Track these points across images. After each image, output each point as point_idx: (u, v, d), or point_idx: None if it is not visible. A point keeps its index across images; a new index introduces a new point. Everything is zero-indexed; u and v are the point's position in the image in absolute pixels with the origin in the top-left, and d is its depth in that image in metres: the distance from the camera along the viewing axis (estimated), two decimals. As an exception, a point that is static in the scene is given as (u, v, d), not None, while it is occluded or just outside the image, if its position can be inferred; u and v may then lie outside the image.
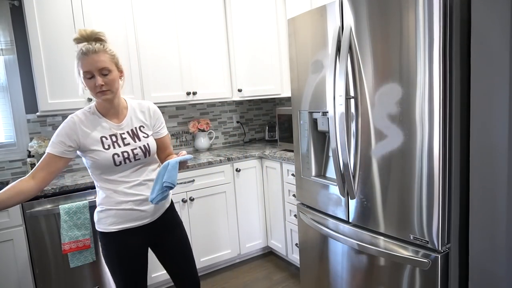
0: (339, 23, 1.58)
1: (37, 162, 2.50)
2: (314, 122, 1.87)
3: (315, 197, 1.88)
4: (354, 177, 1.59)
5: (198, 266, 2.60)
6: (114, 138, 1.45)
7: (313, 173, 1.90)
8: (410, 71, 1.30)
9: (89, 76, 1.36)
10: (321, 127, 1.83)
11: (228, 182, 2.70)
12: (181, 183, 2.49)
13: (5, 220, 1.96)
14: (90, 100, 2.37)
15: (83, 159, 1.46)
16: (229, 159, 2.68)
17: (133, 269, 1.52)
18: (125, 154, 1.45)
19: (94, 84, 1.37)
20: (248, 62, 2.92)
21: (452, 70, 1.23)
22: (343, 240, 1.67)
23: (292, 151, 2.66)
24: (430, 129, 1.27)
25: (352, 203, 1.63)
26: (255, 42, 2.86)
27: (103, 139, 1.43)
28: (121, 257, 1.49)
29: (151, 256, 2.38)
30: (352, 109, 1.56)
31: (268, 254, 3.01)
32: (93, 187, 2.17)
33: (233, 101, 3.35)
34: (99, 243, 1.54)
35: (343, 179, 1.63)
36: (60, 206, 2.02)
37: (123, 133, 1.48)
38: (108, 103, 1.45)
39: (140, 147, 1.49)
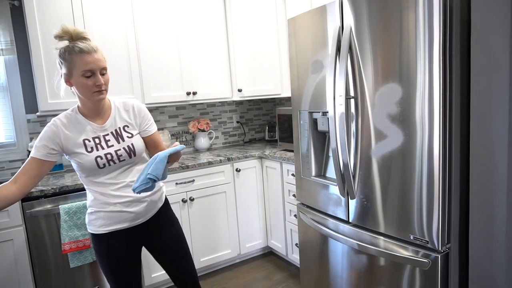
0: (339, 23, 1.58)
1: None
2: (314, 122, 1.87)
3: (315, 197, 1.88)
4: (354, 177, 1.59)
5: (198, 266, 2.60)
6: (97, 140, 1.43)
7: (313, 173, 1.90)
8: (410, 71, 1.30)
9: (89, 74, 1.33)
10: (321, 127, 1.83)
11: (228, 182, 2.70)
12: (181, 183, 2.49)
13: (5, 220, 1.96)
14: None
15: (71, 162, 1.45)
16: (229, 159, 2.68)
17: (123, 270, 1.51)
18: (109, 156, 1.42)
19: (93, 83, 1.35)
20: (248, 62, 2.92)
21: (452, 70, 1.23)
22: (343, 240, 1.67)
23: (292, 151, 2.66)
24: (430, 129, 1.27)
25: (352, 203, 1.63)
26: (255, 42, 2.86)
27: (86, 141, 1.41)
28: (111, 258, 1.48)
29: (150, 256, 2.38)
30: (352, 109, 1.56)
31: (268, 254, 3.01)
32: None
33: (233, 101, 3.35)
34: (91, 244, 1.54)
35: (343, 179, 1.63)
36: (60, 206, 2.02)
37: (107, 135, 1.45)
38: (98, 103, 1.43)
39: (124, 148, 1.46)
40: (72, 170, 2.60)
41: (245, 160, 2.76)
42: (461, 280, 1.36)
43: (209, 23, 2.86)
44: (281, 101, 3.52)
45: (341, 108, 1.53)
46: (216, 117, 3.33)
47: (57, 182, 2.21)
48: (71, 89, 1.40)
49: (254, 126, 3.57)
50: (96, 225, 1.47)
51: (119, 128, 1.49)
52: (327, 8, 1.63)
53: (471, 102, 1.20)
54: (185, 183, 2.50)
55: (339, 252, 1.74)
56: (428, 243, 1.33)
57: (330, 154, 1.85)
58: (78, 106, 1.45)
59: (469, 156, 1.24)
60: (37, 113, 2.31)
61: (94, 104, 1.42)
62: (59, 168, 2.58)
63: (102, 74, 1.38)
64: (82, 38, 1.36)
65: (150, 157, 1.50)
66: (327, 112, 1.72)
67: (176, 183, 2.47)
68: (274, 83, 2.86)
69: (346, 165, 1.57)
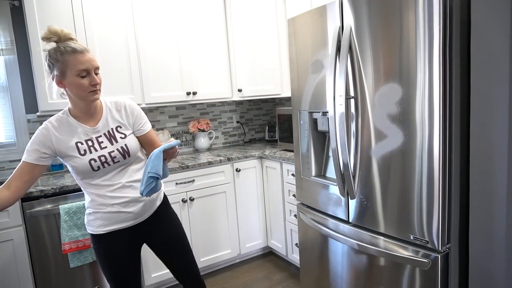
0: (339, 23, 1.58)
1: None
2: (314, 122, 1.87)
3: (315, 197, 1.88)
4: (354, 177, 1.59)
5: (198, 266, 2.59)
6: (90, 143, 1.41)
7: (313, 173, 1.90)
8: (410, 71, 1.30)
9: (84, 74, 1.32)
10: (321, 127, 1.83)
11: (228, 182, 2.70)
12: (181, 183, 2.49)
13: (5, 220, 1.96)
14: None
15: (66, 165, 1.45)
16: (229, 159, 2.68)
17: (122, 269, 1.51)
18: (102, 158, 1.40)
19: (89, 83, 1.33)
20: (248, 62, 2.92)
21: (452, 70, 1.23)
22: (343, 240, 1.67)
23: (292, 151, 2.66)
24: (430, 129, 1.27)
25: (352, 203, 1.63)
26: (255, 42, 2.86)
27: (79, 144, 1.39)
28: (110, 258, 1.49)
29: (150, 256, 2.38)
30: (352, 109, 1.56)
31: (268, 254, 3.01)
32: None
33: (233, 101, 3.35)
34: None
35: (343, 179, 1.63)
36: (60, 206, 2.02)
37: (100, 136, 1.43)
38: (90, 105, 1.41)
39: (117, 149, 1.44)
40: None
41: (245, 160, 2.76)
42: (461, 280, 1.36)
43: (209, 23, 2.86)
44: (281, 101, 3.52)
45: (341, 108, 1.53)
46: (216, 117, 3.33)
47: (57, 182, 2.21)
48: (63, 91, 1.37)
49: (254, 126, 3.57)
50: (94, 225, 1.47)
51: (112, 129, 1.46)
52: (327, 8, 1.63)
53: (471, 102, 1.20)
54: (185, 183, 2.50)
55: (339, 252, 1.74)
56: (428, 243, 1.33)
57: (330, 154, 1.85)
58: (69, 109, 1.43)
59: (469, 156, 1.24)
60: (37, 113, 2.31)
61: (86, 105, 1.40)
62: (59, 168, 2.58)
63: (96, 74, 1.37)
64: (69, 38, 1.34)
65: (147, 156, 1.49)
66: (327, 112, 1.72)
67: (176, 183, 2.47)
68: (274, 83, 2.86)
69: (346, 165, 1.56)
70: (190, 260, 1.64)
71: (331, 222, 1.77)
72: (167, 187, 2.41)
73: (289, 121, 2.67)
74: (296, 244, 2.51)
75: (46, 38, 1.32)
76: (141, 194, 1.37)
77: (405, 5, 1.29)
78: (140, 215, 1.51)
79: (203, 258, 2.63)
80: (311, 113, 1.86)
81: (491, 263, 1.20)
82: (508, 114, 1.10)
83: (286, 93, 2.80)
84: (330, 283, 1.83)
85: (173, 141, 1.43)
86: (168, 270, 2.45)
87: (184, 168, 2.49)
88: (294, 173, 2.17)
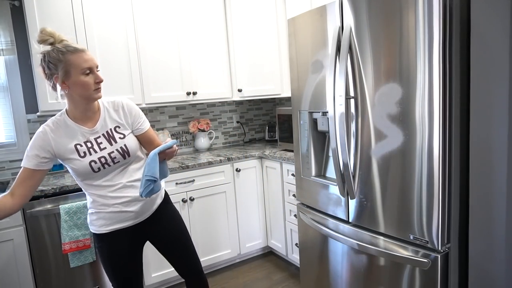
0: (339, 23, 1.58)
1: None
2: (314, 122, 1.87)
3: (315, 197, 1.88)
4: (354, 177, 1.59)
5: (200, 262, 2.59)
6: (89, 144, 1.40)
7: (313, 173, 1.90)
8: (410, 71, 1.31)
9: (88, 72, 1.32)
10: (321, 127, 1.83)
11: (228, 182, 2.70)
12: (181, 183, 2.49)
13: (5, 220, 1.96)
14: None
15: (66, 167, 1.45)
16: (229, 159, 2.68)
17: (125, 268, 1.52)
18: (103, 160, 1.40)
19: (93, 80, 1.34)
20: (248, 62, 2.92)
21: (452, 70, 1.23)
22: (343, 240, 1.67)
23: (292, 151, 2.66)
24: (430, 129, 1.27)
25: (352, 203, 1.63)
26: (255, 42, 2.86)
27: (78, 146, 1.38)
28: (113, 257, 1.50)
29: (151, 255, 2.38)
30: (352, 109, 1.56)
31: (268, 254, 3.01)
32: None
33: (233, 101, 3.35)
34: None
35: (343, 179, 1.63)
36: (60, 206, 2.02)
37: (98, 137, 1.42)
38: (92, 104, 1.41)
39: (117, 150, 1.43)
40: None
41: (245, 160, 2.76)
42: (461, 280, 1.36)
43: (209, 23, 2.86)
44: (281, 101, 3.52)
45: (341, 108, 1.54)
46: (216, 117, 3.33)
47: (57, 182, 2.21)
48: (66, 91, 1.35)
49: (254, 126, 3.57)
50: (97, 225, 1.47)
51: (110, 129, 1.46)
52: (327, 8, 1.63)
53: (471, 102, 1.20)
54: (185, 183, 2.51)
55: (339, 252, 1.74)
56: (428, 243, 1.33)
57: (330, 154, 1.85)
58: (66, 110, 1.42)
59: (469, 156, 1.24)
60: (37, 113, 2.31)
61: (87, 106, 1.40)
62: (59, 168, 2.58)
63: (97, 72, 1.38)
64: (63, 39, 1.35)
65: (147, 155, 1.50)
66: (327, 112, 1.72)
67: (176, 183, 2.47)
68: (274, 83, 2.86)
69: (346, 165, 1.57)
70: (192, 256, 1.66)
71: (331, 222, 1.77)
72: (167, 187, 2.42)
73: (289, 121, 2.67)
74: (296, 244, 2.51)
75: (43, 41, 1.32)
76: (141, 196, 1.37)
77: (405, 5, 1.29)
78: (141, 214, 1.52)
79: (203, 258, 2.63)
80: (311, 113, 1.86)
81: (491, 263, 1.20)
82: (508, 114, 1.10)
83: (286, 93, 2.80)
84: (330, 283, 1.83)
85: (169, 141, 1.43)
86: (168, 270, 2.46)
87: (184, 168, 2.49)
88: (294, 173, 2.17)
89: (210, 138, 3.22)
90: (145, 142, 1.57)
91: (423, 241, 1.34)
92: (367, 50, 1.46)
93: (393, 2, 1.33)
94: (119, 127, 1.48)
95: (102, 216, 1.46)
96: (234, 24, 2.91)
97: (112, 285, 1.56)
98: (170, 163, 2.55)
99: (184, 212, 2.51)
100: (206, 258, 2.64)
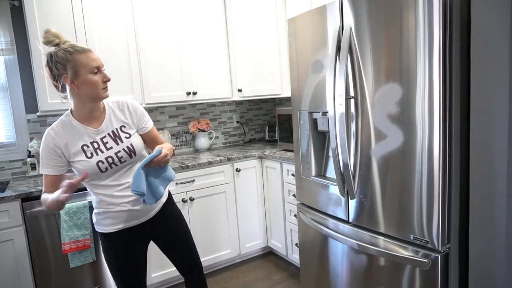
0: (339, 23, 1.58)
1: (37, 163, 2.50)
2: (314, 122, 1.87)
3: (315, 197, 1.88)
4: (354, 177, 1.59)
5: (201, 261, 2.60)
6: (95, 145, 1.40)
7: (313, 173, 1.90)
8: (410, 71, 1.30)
9: (96, 71, 1.34)
10: (321, 127, 1.83)
11: (228, 182, 2.70)
12: (181, 183, 2.49)
13: (5, 220, 1.96)
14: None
15: (72, 168, 1.45)
16: (229, 159, 2.68)
17: (131, 267, 1.53)
18: (110, 160, 1.41)
19: (101, 79, 1.36)
20: (248, 62, 2.92)
21: (452, 70, 1.23)
22: (343, 240, 1.67)
23: (292, 151, 2.66)
24: (430, 129, 1.27)
25: (352, 203, 1.63)
26: (255, 42, 2.86)
27: (85, 147, 1.39)
28: (120, 256, 1.50)
29: (151, 255, 2.38)
30: (352, 109, 1.56)
31: (268, 254, 3.01)
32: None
33: (233, 101, 3.35)
34: (100, 243, 1.55)
35: (343, 179, 1.63)
36: (60, 206, 2.02)
37: (104, 137, 1.43)
38: (98, 104, 1.42)
39: (124, 149, 1.44)
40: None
41: (245, 160, 2.76)
42: (461, 280, 1.36)
43: (209, 23, 2.86)
44: (281, 101, 3.52)
45: (341, 108, 1.53)
46: (216, 117, 3.33)
47: (57, 182, 2.21)
48: (75, 91, 1.34)
49: (254, 126, 3.57)
50: (104, 224, 1.48)
51: (116, 129, 1.47)
52: (327, 8, 1.63)
53: (471, 102, 1.20)
54: (185, 183, 2.50)
55: (339, 252, 1.74)
56: (428, 243, 1.33)
57: (330, 154, 1.84)
58: (71, 111, 1.42)
59: (469, 156, 1.24)
60: (37, 113, 2.31)
61: (93, 106, 1.41)
62: (59, 168, 2.58)
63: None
64: (66, 40, 1.36)
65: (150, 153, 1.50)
66: (327, 112, 1.72)
67: (176, 183, 2.47)
68: (274, 83, 2.85)
69: (346, 165, 1.56)
70: (194, 255, 1.68)
71: (331, 222, 1.77)
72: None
73: (289, 121, 2.67)
74: (296, 244, 2.51)
75: (49, 42, 1.32)
76: (145, 203, 1.39)
77: (405, 5, 1.29)
78: (147, 212, 1.53)
79: (203, 258, 2.63)
80: (311, 113, 1.86)
81: (491, 263, 1.20)
82: (508, 114, 1.10)
83: (286, 93, 2.80)
84: (330, 283, 1.83)
85: (155, 151, 1.40)
86: (168, 270, 2.46)
87: (184, 168, 2.49)
88: (294, 173, 2.17)
89: (210, 138, 3.22)
90: (149, 141, 1.59)
91: (423, 241, 1.34)
92: (367, 50, 1.46)
93: (393, 2, 1.33)
94: (124, 127, 1.49)
95: (110, 215, 1.47)
96: (234, 24, 2.91)
97: (117, 286, 1.56)
98: (169, 163, 2.54)
99: (184, 212, 2.51)
100: (206, 258, 2.64)
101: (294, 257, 2.59)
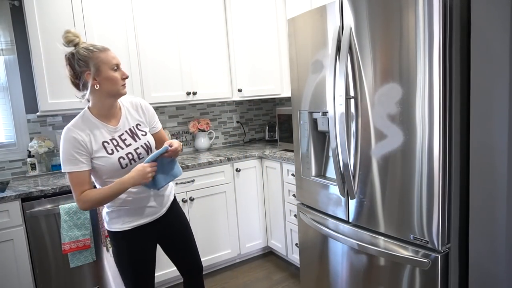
0: (339, 23, 1.58)
1: (37, 162, 2.50)
2: (314, 122, 1.87)
3: (315, 197, 1.88)
4: (354, 177, 1.59)
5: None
6: (115, 142, 1.43)
7: (313, 173, 1.90)
8: (410, 71, 1.30)
9: (116, 68, 1.39)
10: (321, 127, 1.83)
11: (228, 182, 2.70)
12: (181, 183, 2.49)
13: (5, 220, 1.96)
14: (89, 100, 2.37)
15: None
16: (229, 159, 2.68)
17: (143, 266, 1.54)
18: (130, 156, 1.44)
19: (120, 76, 1.40)
20: (248, 62, 2.92)
21: (452, 70, 1.23)
22: (343, 240, 1.67)
23: (292, 151, 2.66)
24: (430, 129, 1.27)
25: (352, 203, 1.63)
26: (255, 42, 2.86)
27: (105, 144, 1.41)
28: (133, 253, 1.51)
29: (151, 256, 2.37)
30: (352, 109, 1.56)
31: (268, 254, 3.01)
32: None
33: (233, 101, 3.35)
34: (109, 243, 1.54)
35: (343, 179, 1.63)
36: (60, 206, 2.02)
37: (122, 134, 1.47)
38: (116, 102, 1.46)
39: (142, 146, 1.49)
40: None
41: (245, 160, 2.76)
42: (461, 280, 1.36)
43: (209, 23, 2.86)
44: (281, 101, 3.52)
45: (341, 108, 1.53)
46: (216, 117, 3.33)
47: (57, 182, 2.21)
48: (96, 87, 1.37)
49: (254, 126, 3.57)
50: (119, 222, 1.49)
51: (133, 127, 1.51)
52: (327, 8, 1.63)
53: (471, 102, 1.20)
54: (185, 183, 2.50)
55: (339, 252, 1.74)
56: (428, 243, 1.33)
57: (330, 154, 1.84)
58: (89, 109, 1.44)
59: (469, 156, 1.24)
60: (37, 113, 2.31)
61: (112, 103, 1.44)
62: (59, 168, 2.58)
63: None
64: (82, 41, 1.41)
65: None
66: (327, 112, 1.72)
67: (176, 183, 2.47)
68: (274, 83, 2.85)
69: (346, 165, 1.56)
70: (196, 254, 1.72)
71: (331, 222, 1.77)
72: (167, 187, 2.42)
73: (289, 121, 2.67)
74: (296, 244, 2.51)
75: (70, 41, 1.37)
76: (158, 188, 1.47)
77: (405, 5, 1.29)
78: (160, 209, 1.57)
79: (203, 258, 2.63)
80: (311, 113, 1.86)
81: (491, 263, 1.20)
82: (508, 114, 1.10)
83: (286, 93, 2.80)
84: (330, 283, 1.83)
85: (162, 148, 1.44)
86: (167, 270, 2.46)
87: (184, 168, 2.49)
88: (294, 173, 2.17)
89: (210, 138, 3.22)
90: (157, 140, 1.63)
91: (423, 241, 1.34)
92: (367, 50, 1.46)
93: (393, 2, 1.33)
94: (140, 125, 1.54)
95: (125, 213, 1.48)
96: (234, 24, 2.91)
97: (127, 285, 1.55)
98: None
99: (184, 212, 2.51)
100: (206, 258, 2.64)
101: (294, 257, 2.59)
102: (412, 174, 1.35)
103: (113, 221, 1.49)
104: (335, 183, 1.70)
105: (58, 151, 2.61)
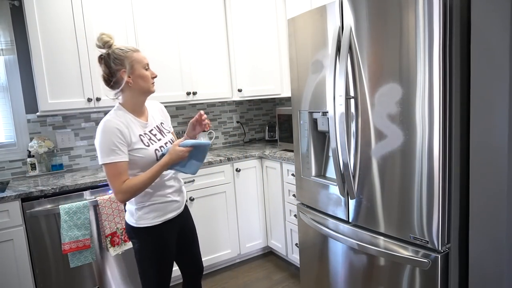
0: (339, 23, 1.58)
1: (37, 162, 2.50)
2: (314, 122, 1.87)
3: (315, 197, 1.88)
4: (354, 177, 1.59)
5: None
6: (148, 136, 1.51)
7: (313, 173, 1.90)
8: (410, 71, 1.30)
9: (147, 67, 1.49)
10: (321, 127, 1.83)
11: (228, 182, 2.70)
12: (181, 183, 2.49)
13: (5, 220, 1.96)
14: (89, 100, 2.37)
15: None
16: (229, 159, 2.68)
17: (169, 261, 1.58)
18: (162, 149, 1.52)
19: (150, 74, 1.50)
20: (248, 62, 2.92)
21: (452, 70, 1.23)
22: (343, 240, 1.67)
23: (292, 151, 2.66)
24: (430, 129, 1.27)
25: (352, 203, 1.63)
26: (255, 42, 2.86)
27: (141, 137, 1.48)
28: (160, 248, 1.54)
29: (151, 256, 2.37)
30: (352, 109, 1.56)
31: (268, 254, 3.01)
32: (93, 187, 2.17)
33: (233, 101, 3.35)
34: (133, 240, 1.55)
35: (343, 179, 1.63)
36: (60, 206, 2.02)
37: (152, 130, 1.55)
38: (146, 99, 1.55)
39: (169, 141, 1.58)
40: (72, 170, 2.61)
41: (245, 160, 2.76)
42: (461, 280, 1.36)
43: (209, 23, 2.86)
44: (281, 101, 3.52)
45: (341, 108, 1.53)
46: (216, 117, 3.33)
47: (57, 182, 2.21)
48: (130, 85, 1.45)
49: (254, 126, 3.57)
50: (149, 218, 1.51)
51: (159, 124, 1.60)
52: (327, 8, 1.63)
53: (471, 102, 1.20)
54: (185, 183, 2.50)
55: (339, 252, 1.74)
56: (428, 243, 1.33)
57: (330, 154, 1.84)
58: (122, 105, 1.49)
59: (469, 156, 1.24)
60: (37, 113, 2.31)
61: (143, 100, 1.53)
62: (59, 168, 2.58)
63: None
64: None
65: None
66: (327, 112, 1.72)
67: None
68: (274, 83, 2.85)
69: (346, 165, 1.56)
70: (200, 255, 1.76)
71: (331, 222, 1.77)
72: (167, 187, 2.41)
73: (289, 121, 2.67)
74: (296, 244, 2.51)
75: (105, 42, 1.45)
76: (192, 173, 1.56)
77: (405, 5, 1.29)
78: (181, 204, 1.63)
79: (203, 258, 2.62)
80: (311, 113, 1.86)
81: (491, 263, 1.20)
82: (508, 114, 1.10)
83: (286, 93, 2.80)
84: (330, 283, 1.83)
85: (205, 141, 1.61)
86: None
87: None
88: (294, 173, 2.17)
89: (210, 138, 3.20)
90: None
91: (423, 241, 1.34)
92: (367, 50, 1.46)
93: (393, 2, 1.33)
94: (163, 124, 1.64)
95: (155, 207, 1.51)
96: (234, 24, 2.91)
97: (150, 281, 1.55)
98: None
99: (184, 212, 2.51)
100: (206, 258, 2.64)
101: (294, 257, 2.59)
102: (412, 174, 1.35)
103: (142, 217, 1.51)
104: (335, 183, 1.70)
105: (58, 151, 2.61)
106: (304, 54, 1.82)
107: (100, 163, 1.38)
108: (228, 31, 2.95)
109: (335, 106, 1.57)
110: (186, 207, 1.70)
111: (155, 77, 1.53)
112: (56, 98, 2.31)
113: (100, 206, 2.10)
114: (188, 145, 1.47)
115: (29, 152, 2.46)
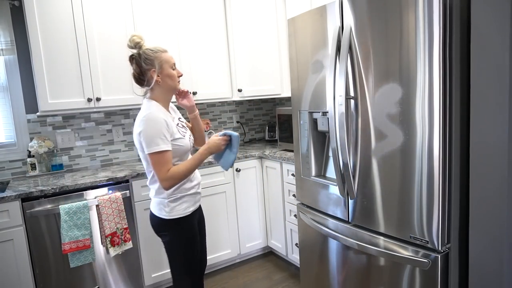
0: (339, 23, 1.58)
1: (37, 162, 2.50)
2: (314, 122, 1.87)
3: (315, 197, 1.88)
4: (354, 177, 1.59)
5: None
6: (179, 127, 1.62)
7: (313, 173, 1.90)
8: (410, 71, 1.30)
9: (174, 67, 1.59)
10: (321, 127, 1.83)
11: (228, 182, 2.70)
12: (181, 183, 2.49)
13: (5, 220, 1.96)
14: (89, 100, 2.37)
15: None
16: (229, 159, 2.68)
17: (201, 248, 1.71)
18: (191, 140, 1.68)
19: (177, 74, 1.61)
20: (248, 62, 2.92)
21: (452, 70, 1.23)
22: (343, 240, 1.67)
23: (292, 151, 2.66)
24: (430, 129, 1.27)
25: (352, 203, 1.63)
26: (255, 42, 2.86)
27: (177, 128, 1.59)
28: (192, 237, 1.63)
29: (150, 256, 2.38)
30: (352, 109, 1.56)
31: (268, 254, 3.01)
32: (93, 187, 2.17)
33: (233, 101, 3.35)
34: (164, 233, 1.62)
35: (343, 179, 1.63)
36: (60, 206, 2.02)
37: (178, 124, 1.65)
38: (172, 96, 1.66)
39: (191, 135, 1.73)
40: (72, 170, 2.61)
41: (245, 160, 2.76)
42: (461, 280, 1.36)
43: (209, 23, 2.86)
44: (281, 101, 3.52)
45: (341, 108, 1.53)
46: (216, 117, 3.33)
47: (57, 182, 2.21)
48: (159, 83, 1.55)
49: (254, 126, 3.57)
50: (181, 209, 1.60)
51: (180, 118, 1.73)
52: (327, 8, 1.63)
53: (471, 102, 1.20)
54: (185, 183, 2.50)
55: (339, 252, 1.74)
56: (428, 243, 1.33)
57: (330, 154, 1.85)
58: (155, 99, 1.58)
59: (469, 156, 1.24)
60: (37, 113, 2.31)
61: (170, 97, 1.64)
62: (59, 168, 2.58)
63: None
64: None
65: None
66: (327, 112, 1.72)
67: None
68: (274, 83, 2.85)
69: (346, 165, 1.56)
70: (206, 247, 1.89)
71: (331, 222, 1.77)
72: (167, 187, 2.42)
73: (289, 121, 2.67)
74: (296, 244, 2.51)
75: (136, 43, 1.53)
76: (231, 166, 1.68)
77: (405, 5, 1.29)
78: (200, 198, 1.74)
79: (203, 258, 2.63)
80: (311, 113, 1.86)
81: (491, 263, 1.20)
82: (508, 114, 1.10)
83: (286, 93, 2.80)
84: (330, 283, 1.83)
85: (236, 134, 1.68)
86: (167, 270, 2.45)
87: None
88: (294, 173, 2.17)
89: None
90: None
91: (423, 241, 1.34)
92: (367, 50, 1.46)
93: (393, 2, 1.33)
94: (181, 119, 1.75)
95: (186, 199, 1.61)
96: (234, 24, 2.91)
97: (186, 273, 1.63)
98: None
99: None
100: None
101: (294, 257, 2.59)
102: (412, 174, 1.35)
103: (176, 208, 1.58)
104: (335, 183, 1.70)
105: (58, 151, 2.61)
106: (304, 54, 1.82)
107: (147, 152, 1.47)
108: (228, 31, 2.95)
109: (335, 106, 1.57)
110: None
111: (181, 75, 1.64)
112: (56, 98, 2.31)
113: (100, 206, 2.10)
114: (222, 135, 1.62)
115: (29, 152, 2.46)
